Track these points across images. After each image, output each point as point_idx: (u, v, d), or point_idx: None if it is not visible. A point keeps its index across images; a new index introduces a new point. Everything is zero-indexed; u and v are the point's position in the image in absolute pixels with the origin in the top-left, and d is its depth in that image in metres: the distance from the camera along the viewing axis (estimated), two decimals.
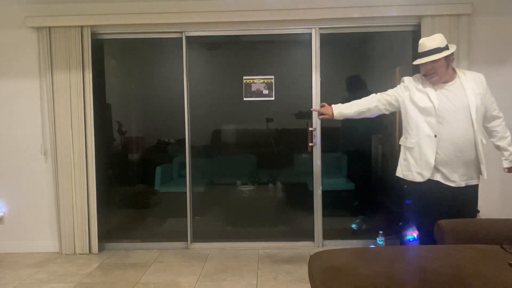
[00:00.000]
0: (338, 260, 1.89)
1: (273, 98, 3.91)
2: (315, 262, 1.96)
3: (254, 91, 3.91)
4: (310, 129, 3.84)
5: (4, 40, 3.81)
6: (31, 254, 3.86)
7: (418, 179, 2.59)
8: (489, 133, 2.71)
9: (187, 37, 3.86)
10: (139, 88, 4.13)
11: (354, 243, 3.88)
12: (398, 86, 2.74)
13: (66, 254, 3.82)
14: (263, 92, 3.90)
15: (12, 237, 3.92)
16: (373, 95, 2.79)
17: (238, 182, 4.16)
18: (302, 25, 3.77)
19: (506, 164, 2.68)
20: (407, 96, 2.64)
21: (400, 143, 2.75)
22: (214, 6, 3.69)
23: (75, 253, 3.83)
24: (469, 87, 2.52)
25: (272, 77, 3.90)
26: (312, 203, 3.90)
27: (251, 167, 4.17)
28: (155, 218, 4.21)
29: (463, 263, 1.82)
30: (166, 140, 4.14)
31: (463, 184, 2.55)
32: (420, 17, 3.61)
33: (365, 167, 4.12)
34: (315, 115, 3.80)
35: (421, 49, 2.55)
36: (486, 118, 2.63)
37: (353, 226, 4.04)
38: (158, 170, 4.17)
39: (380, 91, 2.79)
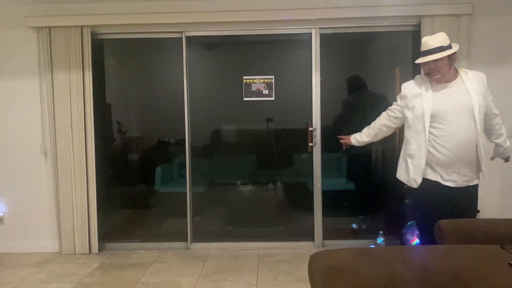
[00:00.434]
0: (338, 260, 1.89)
1: (273, 98, 3.91)
2: (315, 262, 1.96)
3: (254, 91, 3.91)
4: (310, 129, 3.84)
5: (4, 40, 3.81)
6: (31, 254, 3.86)
7: (413, 185, 2.59)
8: (487, 130, 2.72)
9: (187, 37, 3.86)
10: (139, 88, 4.13)
11: (354, 243, 3.88)
12: (397, 96, 2.75)
13: (66, 254, 3.82)
14: (263, 92, 3.90)
15: (12, 237, 3.92)
16: (382, 113, 2.85)
17: (238, 182, 4.16)
18: (302, 25, 3.77)
19: (496, 157, 2.85)
20: (405, 104, 2.65)
21: (401, 149, 2.75)
22: (214, 6, 3.69)
23: (75, 253, 3.83)
24: (471, 87, 2.50)
25: (272, 77, 3.91)
26: (312, 203, 3.90)
27: (251, 167, 4.16)
28: (155, 218, 4.21)
29: (463, 263, 1.82)
30: (166, 140, 4.14)
31: (463, 184, 2.55)
32: (420, 17, 3.60)
33: (365, 167, 4.12)
34: (315, 115, 3.82)
35: (424, 47, 2.53)
36: (487, 117, 2.63)
37: (353, 226, 4.04)
38: (158, 170, 4.17)
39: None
